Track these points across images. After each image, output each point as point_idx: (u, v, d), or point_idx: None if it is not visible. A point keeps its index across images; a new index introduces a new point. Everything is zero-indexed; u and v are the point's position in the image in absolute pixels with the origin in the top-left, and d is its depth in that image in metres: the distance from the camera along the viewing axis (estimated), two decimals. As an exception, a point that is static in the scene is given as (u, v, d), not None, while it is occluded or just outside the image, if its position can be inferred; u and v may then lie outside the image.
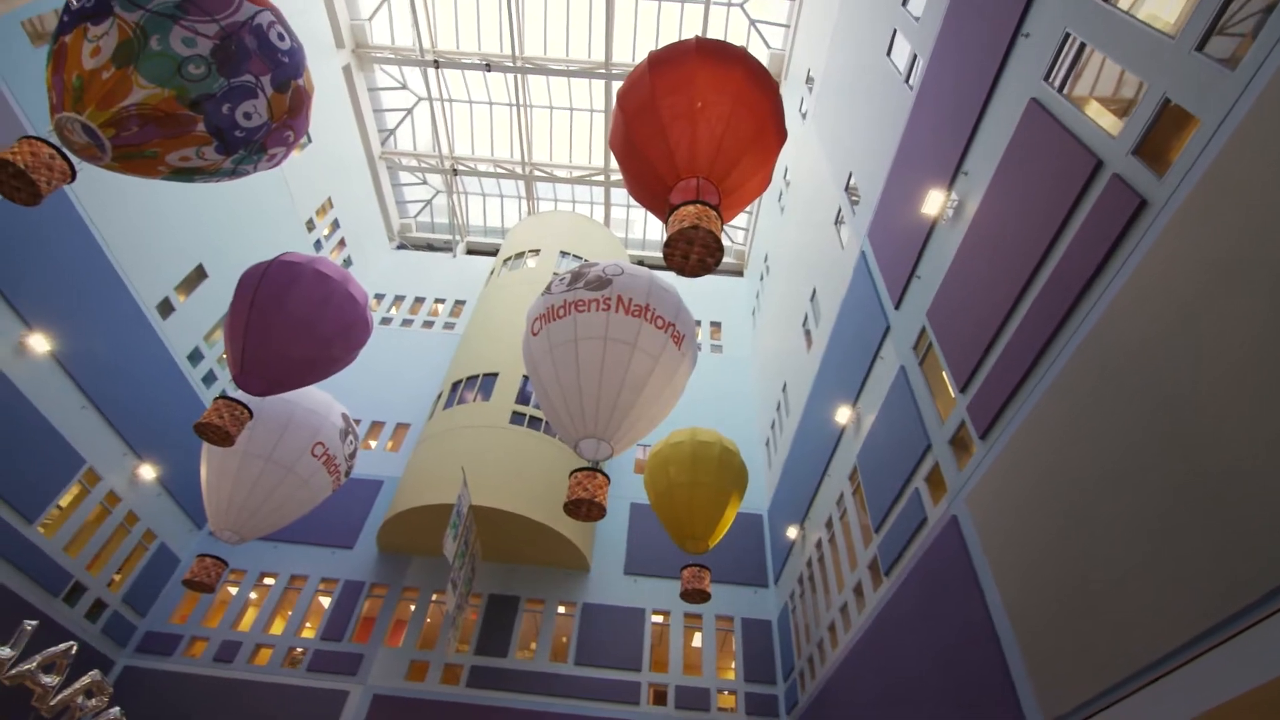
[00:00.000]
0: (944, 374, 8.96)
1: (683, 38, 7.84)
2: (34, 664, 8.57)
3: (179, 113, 6.04)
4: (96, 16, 5.87)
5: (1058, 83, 7.11)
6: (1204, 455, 4.69)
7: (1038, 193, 7.17)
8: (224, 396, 8.58)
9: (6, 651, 8.35)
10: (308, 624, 16.30)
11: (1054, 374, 6.58)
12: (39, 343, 12.40)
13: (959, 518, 8.09)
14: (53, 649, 8.84)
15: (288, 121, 6.90)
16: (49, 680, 8.69)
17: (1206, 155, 5.05)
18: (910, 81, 10.92)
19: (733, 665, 15.98)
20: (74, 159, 5.95)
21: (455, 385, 18.59)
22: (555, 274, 10.36)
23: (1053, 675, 6.04)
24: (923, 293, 9.74)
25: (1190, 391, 4.88)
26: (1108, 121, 6.37)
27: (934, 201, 9.36)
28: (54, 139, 5.87)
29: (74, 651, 9.01)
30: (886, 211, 11.41)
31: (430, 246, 29.54)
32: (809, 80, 18.31)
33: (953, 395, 8.65)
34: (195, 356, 16.55)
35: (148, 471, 15.32)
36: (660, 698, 15.09)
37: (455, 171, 27.50)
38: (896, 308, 10.64)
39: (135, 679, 14.75)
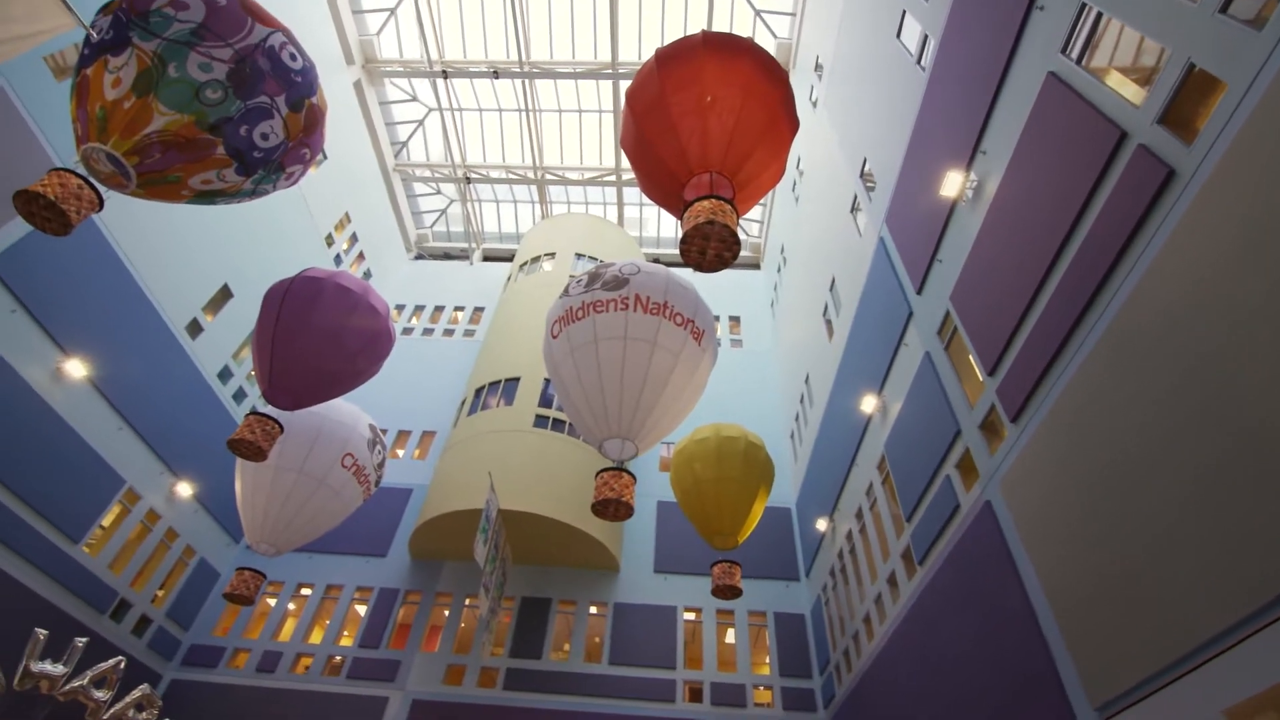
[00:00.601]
0: (970, 358, 8.81)
1: (688, 32, 7.82)
2: (85, 680, 8.83)
3: (199, 137, 6.17)
4: (115, 48, 6.02)
5: (1075, 54, 6.94)
6: (1245, 431, 4.54)
7: (1060, 168, 7.01)
8: (255, 412, 8.74)
9: (59, 669, 8.61)
10: (345, 632, 16.56)
11: (1085, 352, 6.43)
12: (75, 368, 12.77)
13: (993, 503, 7.96)
14: (102, 665, 9.09)
15: (303, 139, 7.01)
16: (101, 695, 8.95)
17: (1236, 120, 4.89)
18: (922, 63, 10.74)
19: (767, 660, 15.90)
20: (101, 188, 6.10)
21: (478, 391, 18.75)
22: (572, 276, 10.36)
23: (1097, 661, 5.91)
24: (945, 276, 9.59)
25: (1228, 365, 4.74)
26: (1130, 91, 6.21)
27: (952, 183, 9.20)
28: (81, 170, 6.03)
29: (123, 666, 9.27)
30: (904, 196, 11.25)
31: (447, 255, 29.83)
32: (818, 67, 18.12)
33: (981, 379, 8.50)
34: (225, 374, 16.90)
35: (185, 489, 15.69)
36: (696, 695, 15.07)
37: (468, 179, 27.72)
38: (918, 293, 10.48)
39: (182, 691, 15.12)
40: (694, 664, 15.61)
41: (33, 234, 11.62)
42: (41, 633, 8.54)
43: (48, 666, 8.54)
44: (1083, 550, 6.24)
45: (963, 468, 9.00)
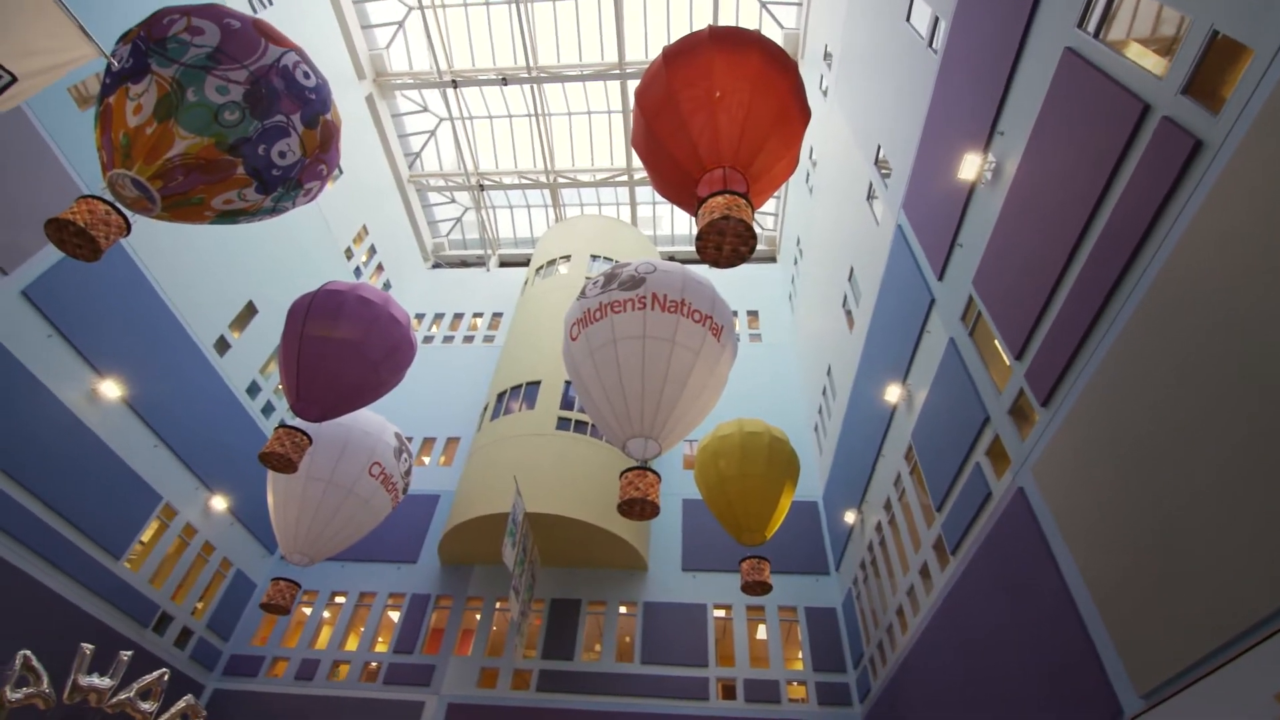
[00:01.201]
0: (996, 343, 8.66)
1: (694, 29, 7.79)
2: (132, 692, 9.08)
3: (219, 158, 6.30)
4: (135, 76, 6.17)
5: (1092, 28, 6.78)
6: (1290, 404, 4.40)
7: (1082, 145, 6.86)
8: (283, 425, 8.89)
9: (106, 682, 8.86)
10: (380, 638, 16.79)
11: (1116, 332, 6.28)
12: (110, 389, 13.11)
13: (1025, 490, 7.81)
14: (147, 677, 9.35)
15: (320, 156, 7.11)
16: (147, 707, 9.19)
17: (1265, 86, 4.74)
18: (934, 45, 10.58)
19: (800, 655, 15.79)
20: (127, 213, 6.25)
21: (500, 396, 18.88)
22: (588, 278, 10.39)
23: (1141, 647, 5.77)
24: (966, 261, 9.43)
25: (1264, 339, 4.59)
26: (1151, 63, 6.04)
27: (970, 166, 9.05)
28: (108, 196, 6.18)
29: (166, 678, 9.51)
30: (920, 182, 11.09)
31: (464, 263, 30.07)
32: (827, 56, 17.94)
33: (1008, 364, 8.35)
34: (253, 389, 17.23)
35: (219, 503, 16.03)
36: (729, 692, 15.02)
37: (482, 187, 27.92)
38: (940, 279, 10.33)
39: (224, 701, 15.46)
40: (726, 661, 15.56)
41: (64, 261, 11.97)
42: (88, 647, 8.80)
43: (95, 680, 8.80)
44: (1121, 534, 6.10)
45: (993, 454, 8.85)
